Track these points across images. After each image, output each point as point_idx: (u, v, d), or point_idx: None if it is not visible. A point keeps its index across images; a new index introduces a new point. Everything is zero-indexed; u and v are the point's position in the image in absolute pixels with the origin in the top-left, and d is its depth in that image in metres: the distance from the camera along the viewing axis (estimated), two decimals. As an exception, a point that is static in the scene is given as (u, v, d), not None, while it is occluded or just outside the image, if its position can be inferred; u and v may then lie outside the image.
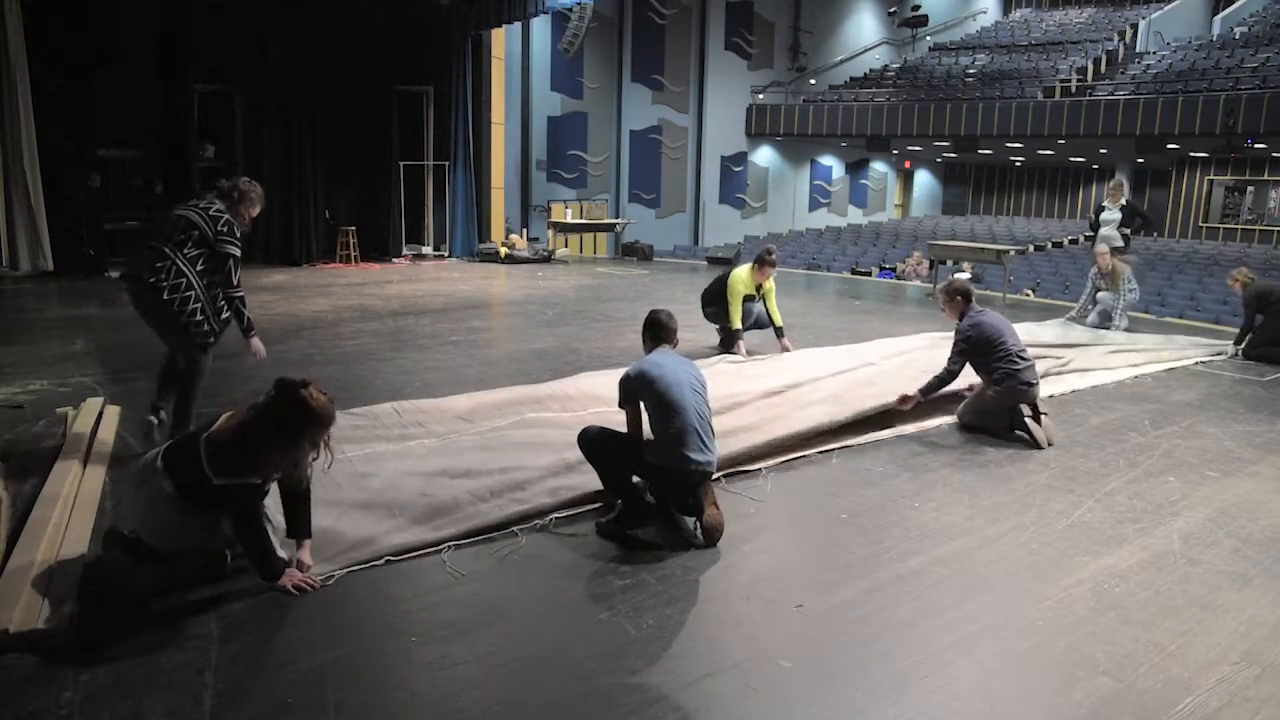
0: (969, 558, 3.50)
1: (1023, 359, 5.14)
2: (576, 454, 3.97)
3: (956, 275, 14.78)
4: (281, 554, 3.10)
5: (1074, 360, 7.07)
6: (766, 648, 2.78)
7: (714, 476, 3.80)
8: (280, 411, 2.89)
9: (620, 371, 3.92)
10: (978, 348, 5.17)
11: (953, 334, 5.37)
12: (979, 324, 5.23)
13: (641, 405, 3.70)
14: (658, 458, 3.60)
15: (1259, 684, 2.65)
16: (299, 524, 3.20)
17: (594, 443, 3.75)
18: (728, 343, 7.29)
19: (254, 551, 2.98)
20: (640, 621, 2.92)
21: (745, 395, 5.43)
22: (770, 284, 7.34)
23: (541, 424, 4.75)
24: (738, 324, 7.11)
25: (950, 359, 5.26)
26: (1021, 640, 2.88)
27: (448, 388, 6.00)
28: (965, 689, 2.59)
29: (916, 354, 6.82)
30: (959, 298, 5.37)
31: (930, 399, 5.30)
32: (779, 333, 7.24)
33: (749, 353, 7.03)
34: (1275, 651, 2.84)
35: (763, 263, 7.19)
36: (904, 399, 5.22)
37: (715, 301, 7.35)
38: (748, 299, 7.21)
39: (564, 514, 3.77)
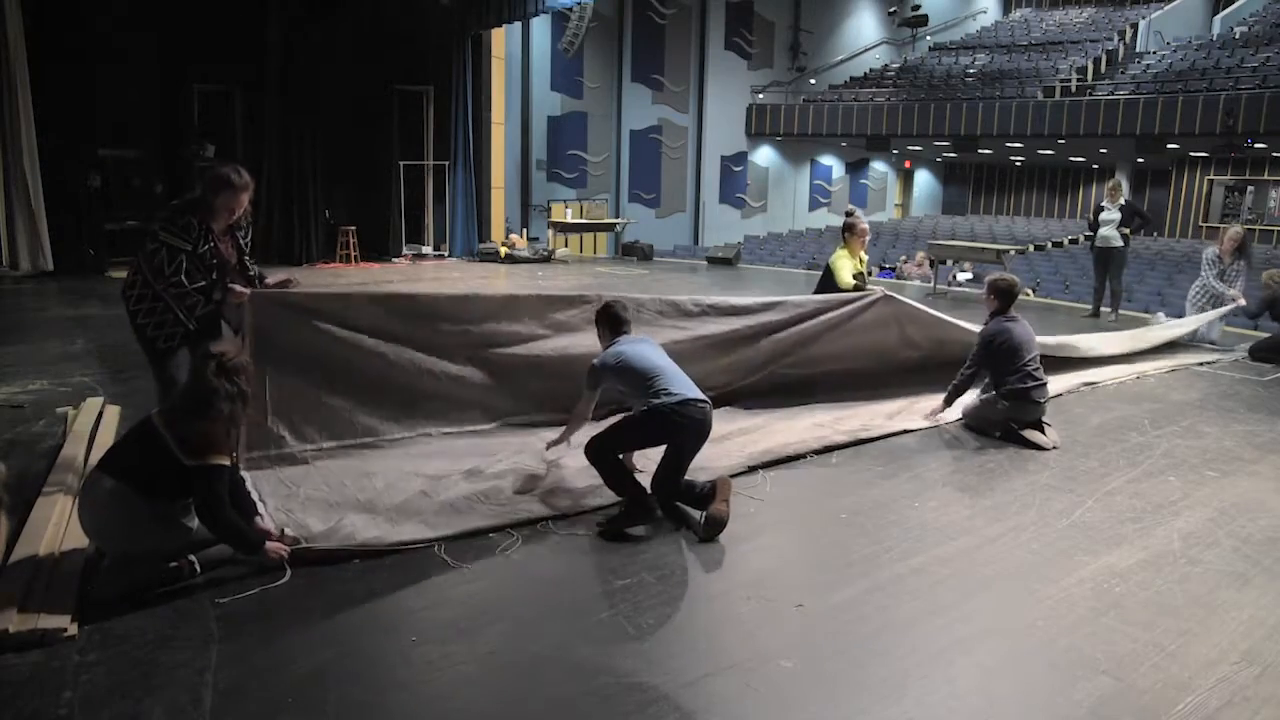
0: (969, 558, 3.50)
1: (1035, 379, 5.10)
2: (576, 459, 3.99)
3: (960, 276, 14.79)
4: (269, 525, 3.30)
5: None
6: (766, 648, 2.78)
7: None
8: (204, 379, 3.01)
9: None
10: (996, 356, 5.13)
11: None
12: (1006, 330, 5.16)
13: (599, 390, 3.94)
14: (659, 416, 3.64)
15: (1259, 684, 2.65)
16: (243, 509, 3.26)
17: (599, 443, 3.78)
18: None
19: (226, 532, 3.03)
20: (640, 621, 2.92)
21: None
22: (864, 258, 6.59)
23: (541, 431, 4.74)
24: (851, 281, 6.24)
25: (968, 361, 5.24)
26: (1021, 640, 2.88)
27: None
28: (965, 689, 2.59)
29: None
30: (999, 298, 5.27)
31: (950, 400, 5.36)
32: None
33: None
34: (1275, 651, 2.84)
35: (852, 230, 6.33)
36: (933, 415, 5.31)
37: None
38: (858, 276, 6.40)
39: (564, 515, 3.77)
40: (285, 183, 13.45)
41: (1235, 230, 8.46)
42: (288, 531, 3.30)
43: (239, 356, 3.13)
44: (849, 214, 6.58)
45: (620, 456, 3.84)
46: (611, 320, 4.11)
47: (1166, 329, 8.07)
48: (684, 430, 3.68)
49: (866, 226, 6.55)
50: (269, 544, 3.11)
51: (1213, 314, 8.16)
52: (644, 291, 11.32)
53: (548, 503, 3.81)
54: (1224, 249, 8.35)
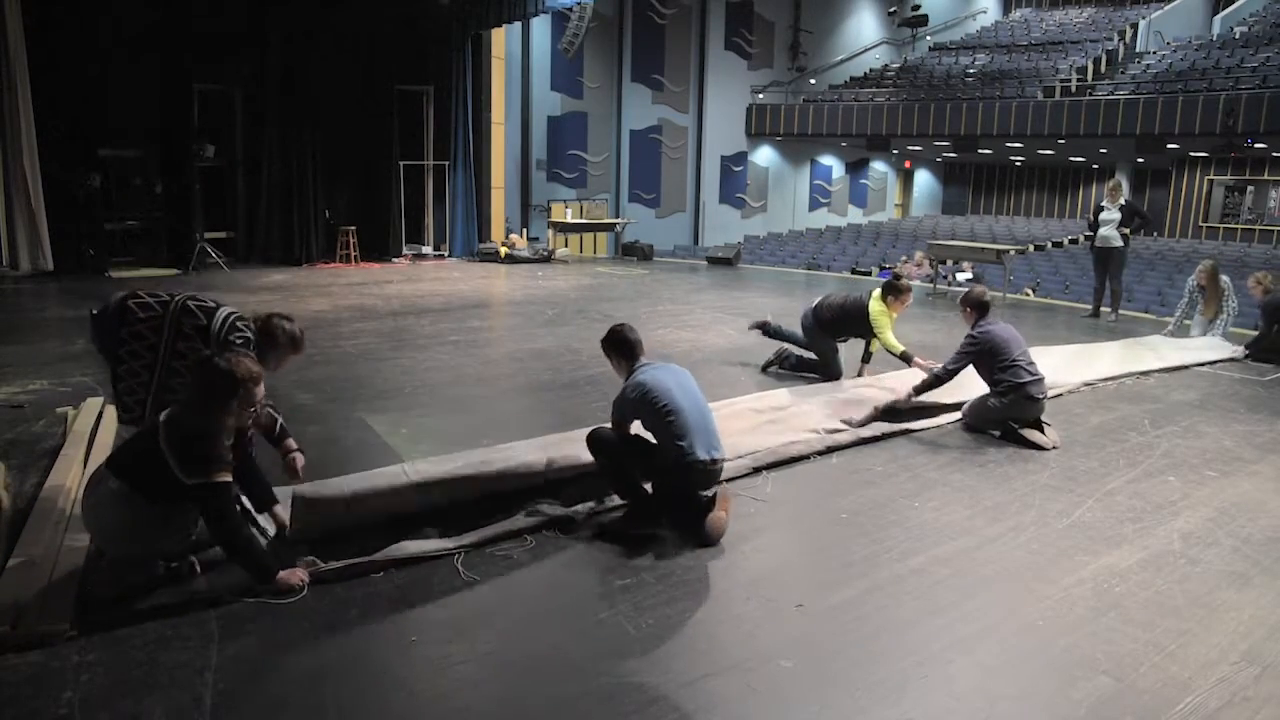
0: (969, 558, 3.50)
1: (1030, 372, 5.12)
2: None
3: (960, 276, 14.78)
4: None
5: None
6: (766, 648, 2.78)
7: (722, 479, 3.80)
8: (207, 386, 2.93)
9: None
10: (984, 355, 5.17)
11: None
12: (988, 331, 5.24)
13: (636, 424, 3.70)
14: (665, 461, 3.59)
15: (1259, 684, 2.65)
16: (259, 495, 3.23)
17: (602, 442, 3.74)
18: (801, 365, 6.53)
19: (239, 553, 2.95)
20: (640, 621, 2.92)
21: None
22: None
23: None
24: (897, 345, 6.01)
25: (951, 359, 5.27)
26: (1021, 640, 2.88)
27: (448, 387, 6.02)
28: (965, 689, 2.59)
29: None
30: (977, 308, 5.36)
31: (925, 396, 5.32)
32: (866, 359, 6.47)
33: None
34: (1275, 651, 2.84)
35: (897, 292, 6.07)
36: (899, 400, 5.24)
37: (827, 329, 6.34)
38: (863, 332, 6.28)
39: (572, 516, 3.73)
40: (285, 183, 13.45)
41: (1204, 263, 8.49)
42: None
43: (249, 367, 3.00)
44: (897, 276, 6.29)
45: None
46: (621, 345, 3.85)
47: (1163, 356, 7.56)
48: (691, 484, 3.61)
49: (912, 298, 6.32)
50: (283, 574, 2.99)
51: (1207, 345, 8.00)
52: (640, 294, 11.36)
53: (557, 504, 3.77)
54: (1200, 280, 8.41)
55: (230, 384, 2.94)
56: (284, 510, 3.32)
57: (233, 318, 3.59)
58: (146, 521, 2.94)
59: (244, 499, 3.26)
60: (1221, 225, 22.82)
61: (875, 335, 6.13)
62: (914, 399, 5.29)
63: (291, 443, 3.57)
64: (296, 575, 3.02)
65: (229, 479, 2.93)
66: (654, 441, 3.69)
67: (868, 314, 6.11)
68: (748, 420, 5.08)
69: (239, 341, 3.51)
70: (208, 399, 2.94)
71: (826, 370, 6.37)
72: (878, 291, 6.18)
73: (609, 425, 3.81)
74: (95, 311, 3.66)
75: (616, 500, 3.85)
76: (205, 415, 2.93)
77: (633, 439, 3.77)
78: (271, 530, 3.33)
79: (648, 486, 3.77)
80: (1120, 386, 6.57)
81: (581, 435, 4.63)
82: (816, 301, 6.52)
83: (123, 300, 3.56)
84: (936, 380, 5.25)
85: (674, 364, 3.93)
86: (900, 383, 5.67)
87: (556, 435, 4.42)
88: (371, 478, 3.58)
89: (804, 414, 5.23)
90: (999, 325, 5.32)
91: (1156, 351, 7.73)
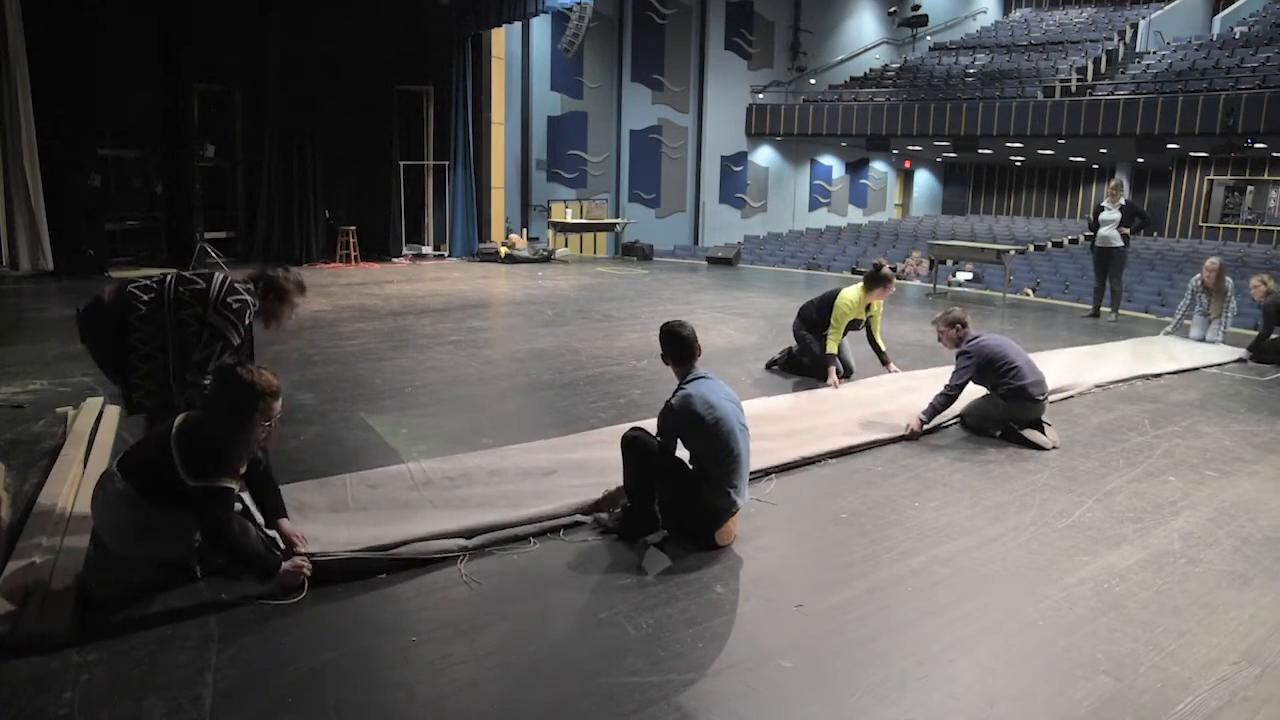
0: (969, 558, 3.50)
1: (1029, 375, 5.09)
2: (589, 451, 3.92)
3: (960, 276, 14.79)
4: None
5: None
6: (766, 648, 2.78)
7: None
8: (228, 396, 2.91)
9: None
10: (982, 365, 5.13)
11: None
12: (979, 342, 5.20)
13: (679, 440, 3.55)
14: (704, 497, 3.48)
15: (1259, 684, 2.65)
16: (270, 506, 3.21)
17: (641, 455, 3.56)
18: (794, 365, 6.58)
19: (238, 554, 2.94)
20: (640, 621, 2.92)
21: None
22: (879, 305, 6.47)
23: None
24: (833, 349, 6.21)
25: (953, 376, 5.17)
26: (1021, 640, 2.88)
27: (448, 387, 6.02)
28: (965, 689, 2.59)
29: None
30: (959, 325, 5.30)
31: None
32: (883, 358, 6.50)
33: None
34: (1275, 651, 2.84)
35: (881, 282, 6.22)
36: (911, 431, 5.08)
37: (814, 328, 6.39)
38: (852, 324, 6.34)
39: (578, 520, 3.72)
40: (285, 183, 13.44)
41: (1212, 261, 8.43)
42: (301, 544, 3.15)
43: (269, 380, 2.97)
44: (879, 266, 6.36)
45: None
46: (675, 343, 3.63)
47: (1174, 357, 7.54)
48: (717, 522, 3.53)
49: (894, 288, 6.45)
50: (284, 566, 2.98)
51: (1213, 351, 7.91)
52: (641, 294, 11.37)
53: (562, 506, 3.73)
54: (1206, 279, 8.37)
55: (251, 396, 2.90)
56: (292, 525, 3.24)
57: (230, 280, 3.57)
58: (150, 526, 2.94)
59: (252, 508, 3.24)
60: (1221, 225, 22.81)
61: (832, 327, 6.21)
62: (926, 425, 5.16)
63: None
64: (297, 565, 3.01)
65: (232, 486, 2.93)
66: (693, 467, 3.54)
67: (844, 304, 6.22)
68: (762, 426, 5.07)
69: (236, 305, 3.48)
70: (226, 410, 2.91)
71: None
72: (859, 284, 6.33)
73: (652, 433, 3.59)
74: (82, 308, 3.59)
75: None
76: (220, 425, 2.91)
77: (678, 464, 3.57)
78: (281, 544, 3.18)
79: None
80: (1122, 388, 6.56)
81: (583, 439, 4.63)
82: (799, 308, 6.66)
83: (120, 289, 3.53)
84: (946, 400, 5.16)
85: (720, 381, 3.68)
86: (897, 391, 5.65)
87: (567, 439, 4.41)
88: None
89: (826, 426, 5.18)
90: (986, 336, 5.29)
91: (1168, 352, 7.71)
